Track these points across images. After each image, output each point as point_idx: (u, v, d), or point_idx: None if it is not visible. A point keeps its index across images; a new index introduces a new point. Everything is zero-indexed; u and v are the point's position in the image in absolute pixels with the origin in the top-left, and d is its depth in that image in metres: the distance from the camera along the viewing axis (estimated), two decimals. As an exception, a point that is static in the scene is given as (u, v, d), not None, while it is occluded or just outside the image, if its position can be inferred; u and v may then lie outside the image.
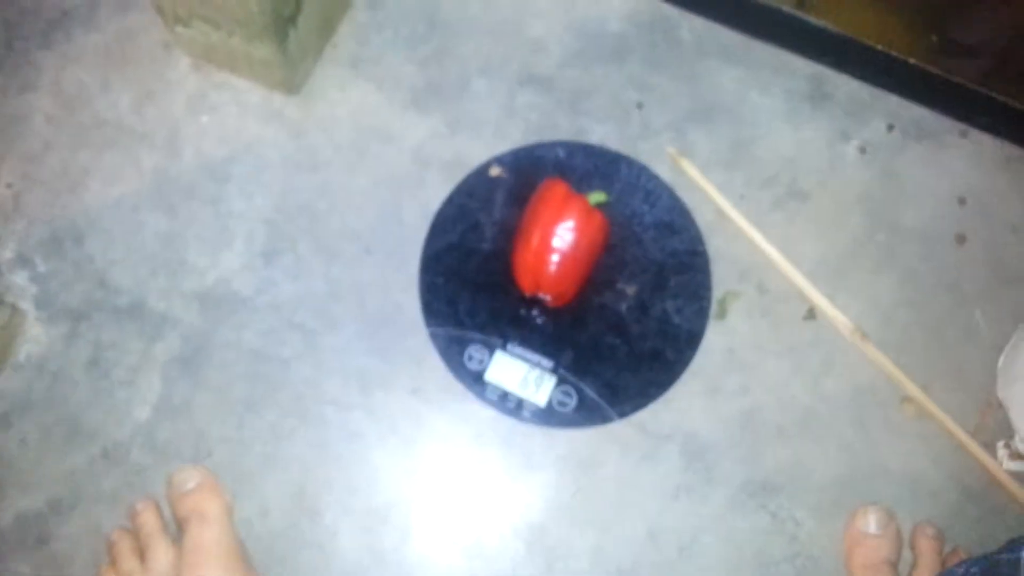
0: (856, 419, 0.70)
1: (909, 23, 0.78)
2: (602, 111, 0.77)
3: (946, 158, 0.79)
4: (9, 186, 0.72)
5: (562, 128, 0.76)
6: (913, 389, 0.71)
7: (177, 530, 0.62)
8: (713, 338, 0.71)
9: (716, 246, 0.74)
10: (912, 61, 0.78)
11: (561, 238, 0.66)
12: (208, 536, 0.60)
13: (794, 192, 0.76)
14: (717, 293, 0.72)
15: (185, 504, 0.62)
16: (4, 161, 0.73)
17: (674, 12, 0.81)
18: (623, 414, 0.68)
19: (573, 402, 0.68)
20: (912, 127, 0.79)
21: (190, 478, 0.62)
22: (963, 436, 0.70)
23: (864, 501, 0.67)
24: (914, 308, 0.74)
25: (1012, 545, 0.60)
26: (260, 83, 0.76)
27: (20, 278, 0.69)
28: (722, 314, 0.72)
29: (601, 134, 0.76)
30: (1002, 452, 0.70)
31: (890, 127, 0.79)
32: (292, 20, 0.70)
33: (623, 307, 0.71)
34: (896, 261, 0.75)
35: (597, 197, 0.69)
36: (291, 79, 0.74)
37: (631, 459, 0.68)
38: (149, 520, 0.62)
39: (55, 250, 0.70)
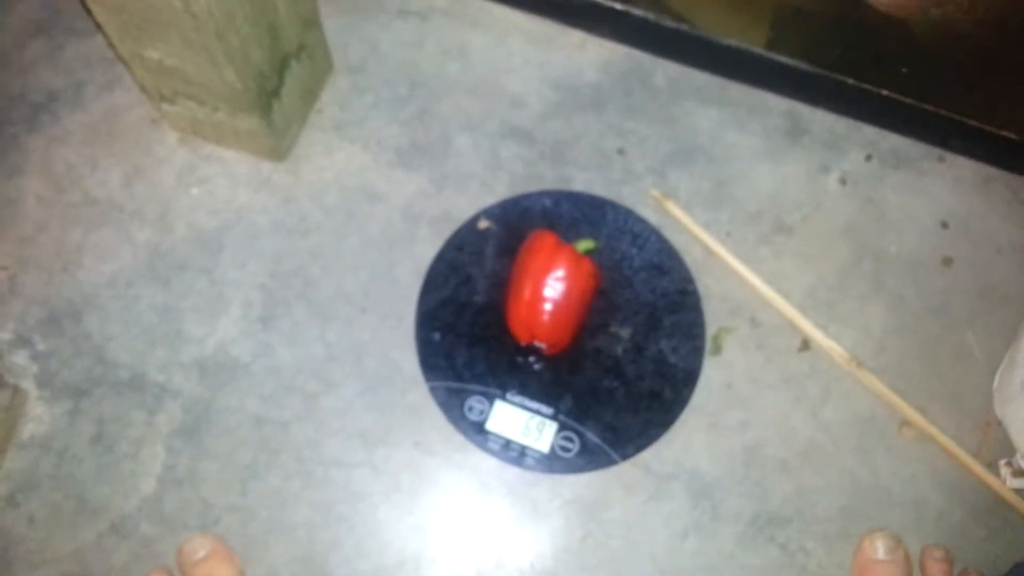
0: (857, 447, 0.75)
1: (877, 56, 0.84)
2: (584, 159, 0.83)
3: (926, 183, 0.84)
4: (4, 268, 0.76)
5: (547, 178, 0.82)
6: (911, 413, 0.75)
7: (190, 600, 0.66)
8: (710, 375, 0.76)
9: (706, 284, 0.79)
10: (885, 92, 0.83)
11: (552, 287, 0.70)
12: (221, 603, 0.64)
13: (779, 227, 0.82)
14: (711, 330, 0.77)
15: (197, 573, 0.65)
16: (-3, 245, 0.77)
17: (647, 59, 0.87)
18: (626, 456, 0.73)
19: (576, 447, 0.72)
20: (890, 155, 0.85)
21: (200, 547, 0.65)
22: (964, 457, 0.74)
23: (871, 527, 0.70)
24: (906, 333, 0.79)
25: (1019, 569, 0.64)
26: (247, 153, 0.81)
27: (20, 358, 0.73)
28: (717, 350, 0.77)
29: (585, 181, 0.82)
30: (1004, 470, 0.74)
31: (868, 157, 0.85)
32: (276, 93, 0.75)
33: (619, 350, 0.76)
34: (885, 288, 0.80)
35: (586, 244, 0.74)
36: (278, 147, 0.80)
37: (637, 500, 0.72)
38: (163, 590, 0.65)
39: (53, 329, 0.74)
